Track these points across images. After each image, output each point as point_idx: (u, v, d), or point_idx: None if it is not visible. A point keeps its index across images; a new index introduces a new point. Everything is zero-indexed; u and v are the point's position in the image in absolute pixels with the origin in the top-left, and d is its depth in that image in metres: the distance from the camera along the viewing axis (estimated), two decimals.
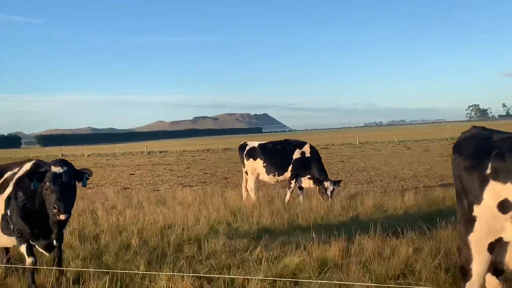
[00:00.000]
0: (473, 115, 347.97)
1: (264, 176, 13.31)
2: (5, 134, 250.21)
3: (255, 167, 13.31)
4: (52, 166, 5.97)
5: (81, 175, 6.17)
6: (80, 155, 67.54)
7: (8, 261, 7.27)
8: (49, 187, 5.89)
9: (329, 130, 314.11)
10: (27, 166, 6.52)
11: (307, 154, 12.88)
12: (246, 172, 13.56)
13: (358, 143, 55.66)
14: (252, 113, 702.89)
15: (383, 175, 21.17)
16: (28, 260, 6.35)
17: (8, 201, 6.39)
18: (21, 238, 6.33)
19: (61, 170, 5.92)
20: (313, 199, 12.48)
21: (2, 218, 6.49)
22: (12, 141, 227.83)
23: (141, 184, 23.27)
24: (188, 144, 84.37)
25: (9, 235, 6.52)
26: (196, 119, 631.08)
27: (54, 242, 6.35)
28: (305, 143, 13.25)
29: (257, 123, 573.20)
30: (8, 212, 6.38)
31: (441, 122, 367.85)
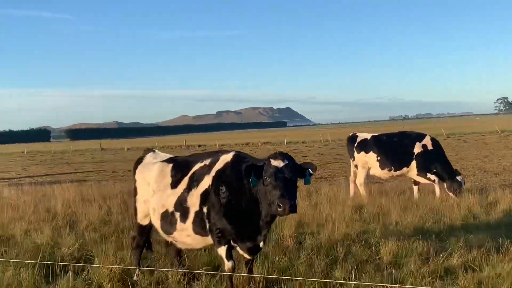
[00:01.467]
0: (501, 108, 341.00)
1: (377, 171, 12.51)
2: (33, 128, 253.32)
3: (367, 161, 12.54)
4: (271, 160, 5.30)
5: (304, 170, 5.50)
6: (119, 149, 67.65)
7: (180, 265, 6.68)
8: (270, 183, 5.20)
9: (355, 123, 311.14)
10: (226, 158, 5.85)
11: (429, 147, 12.04)
12: (356, 166, 12.79)
13: None
14: (275, 107, 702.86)
15: (468, 169, 20.23)
16: (228, 264, 5.69)
17: (205, 196, 5.78)
18: (221, 239, 5.66)
19: (283, 164, 5.26)
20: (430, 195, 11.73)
21: (195, 216, 5.89)
22: (42, 135, 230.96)
23: None
24: (223, 138, 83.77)
25: (202, 234, 5.90)
26: (219, 113, 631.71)
27: (261, 244, 5.73)
28: (424, 135, 12.38)
29: (280, 117, 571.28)
30: (204, 209, 5.75)
31: (469, 115, 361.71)
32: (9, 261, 7.09)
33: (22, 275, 6.61)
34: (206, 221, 5.76)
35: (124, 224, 9.96)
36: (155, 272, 6.57)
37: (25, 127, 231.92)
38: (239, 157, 5.83)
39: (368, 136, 12.81)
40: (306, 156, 34.28)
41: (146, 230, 6.69)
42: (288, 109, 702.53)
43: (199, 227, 5.85)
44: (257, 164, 5.38)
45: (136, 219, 6.69)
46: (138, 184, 6.65)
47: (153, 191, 6.32)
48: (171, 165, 6.37)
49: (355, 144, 12.82)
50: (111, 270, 6.59)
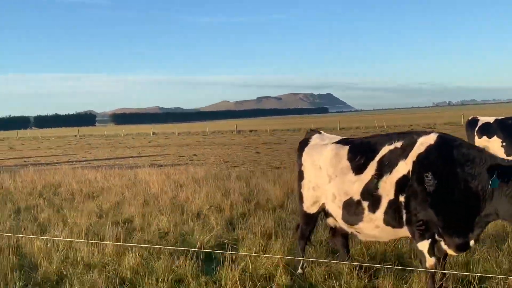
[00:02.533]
0: None
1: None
2: (75, 112, 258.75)
3: (489, 146, 11.57)
4: None
5: None
6: (170, 133, 67.98)
7: (349, 257, 6.01)
8: None
9: (398, 109, 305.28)
10: (427, 140, 5.07)
11: None
12: None
13: (463, 122, 52.50)
14: (315, 93, 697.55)
15: None
16: (430, 260, 4.97)
17: (402, 184, 5.05)
18: (425, 232, 4.94)
19: None
20: None
21: (388, 206, 5.18)
22: (87, 119, 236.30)
23: None
24: (269, 124, 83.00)
25: (394, 226, 5.20)
26: (259, 99, 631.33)
27: (471, 242, 4.98)
28: None
29: (321, 103, 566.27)
30: (401, 198, 5.02)
31: None
32: (160, 249, 6.63)
33: (177, 263, 6.16)
34: (404, 211, 5.04)
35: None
36: (322, 265, 5.94)
37: (70, 111, 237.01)
38: (444, 140, 5.05)
39: (491, 119, 11.81)
40: None
41: (314, 219, 6.04)
42: (328, 95, 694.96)
43: (392, 218, 5.15)
44: (503, 164, 4.61)
45: (302, 206, 6.04)
46: (305, 168, 5.98)
47: (328, 176, 5.64)
48: (347, 147, 5.67)
49: (476, 128, 11.85)
50: (273, 262, 6.02)
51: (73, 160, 29.41)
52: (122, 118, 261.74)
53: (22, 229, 8.59)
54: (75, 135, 72.82)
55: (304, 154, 6.04)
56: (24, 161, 29.86)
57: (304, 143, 6.18)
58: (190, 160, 25.67)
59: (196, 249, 6.51)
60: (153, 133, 69.20)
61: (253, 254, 6.27)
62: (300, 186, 6.04)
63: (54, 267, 6.45)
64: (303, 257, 5.97)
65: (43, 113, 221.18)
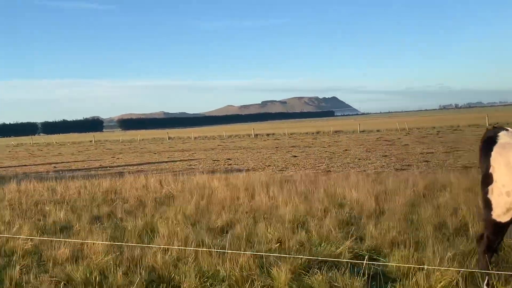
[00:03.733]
0: None
1: None
2: (83, 118, 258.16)
3: None
4: None
5: None
6: (186, 138, 67.40)
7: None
8: None
9: (405, 112, 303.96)
10: None
11: None
12: None
13: (487, 124, 51.73)
14: (320, 97, 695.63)
15: None
16: None
17: None
18: None
19: None
20: None
21: None
22: (95, 124, 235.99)
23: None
24: (288, 127, 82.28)
25: None
26: (264, 103, 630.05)
27: None
28: None
29: (326, 107, 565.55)
30: None
31: None
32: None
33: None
34: None
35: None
36: None
37: (76, 117, 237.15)
38: None
39: None
40: (430, 148, 32.38)
41: (504, 229, 5.32)
42: (334, 98, 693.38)
43: None
44: None
45: (489, 215, 5.30)
46: (495, 171, 5.25)
47: None
48: None
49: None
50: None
51: (105, 165, 28.80)
52: (128, 123, 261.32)
53: (125, 240, 7.92)
54: (90, 141, 72.31)
55: (493, 153, 5.30)
56: (54, 167, 29.29)
57: (490, 142, 5.43)
58: (228, 165, 25.01)
59: (350, 261, 5.81)
60: (169, 138, 68.64)
61: (426, 266, 5.56)
62: (486, 191, 5.31)
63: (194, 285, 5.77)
64: (489, 272, 5.26)
65: (50, 119, 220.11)
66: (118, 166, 27.92)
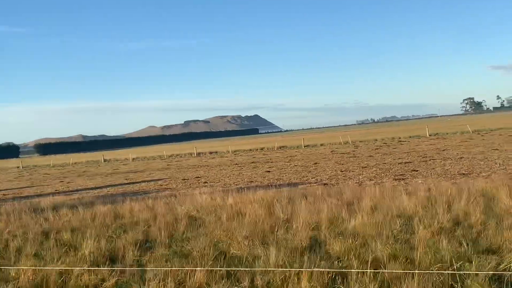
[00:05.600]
0: (468, 108, 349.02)
1: None
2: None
3: None
4: None
5: None
6: (123, 159, 64.61)
7: None
8: None
9: (326, 128, 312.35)
10: None
11: None
12: None
13: (428, 134, 53.72)
14: (243, 115, 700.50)
15: None
16: None
17: None
18: None
19: None
20: None
21: None
22: (10, 150, 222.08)
23: (343, 178, 20.75)
24: (229, 145, 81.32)
25: None
26: (187, 122, 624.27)
27: None
28: None
29: (249, 125, 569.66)
30: None
31: (437, 116, 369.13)
32: None
33: None
34: None
35: None
36: None
37: None
38: None
39: None
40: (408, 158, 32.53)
41: None
42: (256, 116, 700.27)
43: None
44: None
45: None
46: None
47: None
48: None
49: None
50: None
51: (62, 190, 26.48)
52: (47, 148, 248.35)
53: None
54: (18, 166, 67.42)
55: None
56: (4, 194, 26.53)
57: None
58: (204, 183, 23.72)
59: None
60: (105, 160, 65.51)
61: None
62: None
63: None
64: None
65: None
66: (77, 190, 25.73)
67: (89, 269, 7.18)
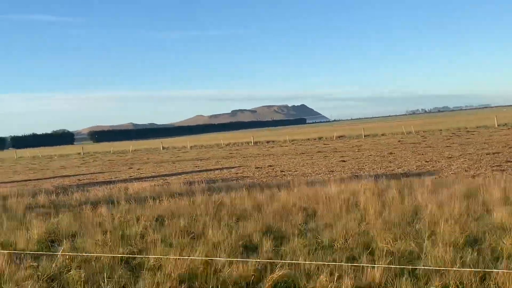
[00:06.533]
0: None
1: None
2: (52, 131, 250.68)
3: None
4: None
5: None
6: (181, 147, 65.07)
7: None
8: None
9: (376, 118, 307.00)
10: None
11: None
12: None
13: (496, 124, 51.43)
14: (289, 105, 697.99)
15: None
16: None
17: None
18: None
19: None
20: None
21: None
22: (65, 137, 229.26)
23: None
24: (284, 134, 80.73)
25: None
26: (234, 112, 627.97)
27: None
28: None
29: (296, 115, 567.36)
30: None
31: (491, 106, 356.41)
32: None
33: None
34: None
35: None
36: None
37: (44, 131, 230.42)
38: None
39: None
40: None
41: None
42: (303, 106, 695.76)
43: None
44: None
45: None
46: None
47: None
48: None
49: None
50: None
51: (138, 176, 26.56)
52: (100, 135, 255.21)
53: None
54: (79, 153, 69.10)
55: None
56: (79, 179, 26.88)
57: None
58: (281, 172, 23.18)
59: None
60: (163, 148, 66.17)
61: None
62: None
63: None
64: None
65: (15, 133, 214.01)
66: (153, 177, 25.71)
67: (238, 260, 6.69)
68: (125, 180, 23.91)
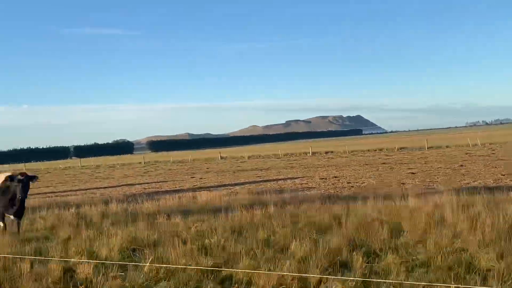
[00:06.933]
0: None
1: None
2: (112, 141, 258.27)
3: None
4: None
5: None
6: (239, 157, 65.25)
7: None
8: None
9: (434, 130, 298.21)
10: None
11: None
12: None
13: None
14: (344, 115, 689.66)
15: None
16: None
17: None
18: None
19: None
20: None
21: None
22: (126, 147, 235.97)
23: None
24: (345, 145, 79.66)
25: None
26: (288, 122, 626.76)
27: None
28: None
29: (351, 125, 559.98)
30: None
31: None
32: None
33: None
34: None
35: None
36: None
37: (103, 141, 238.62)
38: None
39: None
40: None
41: None
42: (358, 117, 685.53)
43: None
44: None
45: None
46: None
47: None
48: None
49: None
50: None
51: (207, 186, 26.66)
52: (158, 145, 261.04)
53: None
54: (140, 162, 70.61)
55: None
56: (144, 188, 27.26)
57: None
58: (348, 183, 22.60)
59: None
60: (221, 157, 66.60)
61: None
62: None
63: None
64: None
65: (77, 143, 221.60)
66: (217, 186, 25.70)
67: (334, 278, 6.31)
68: (189, 189, 24.00)
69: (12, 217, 11.02)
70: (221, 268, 7.37)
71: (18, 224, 11.15)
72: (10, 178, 10.63)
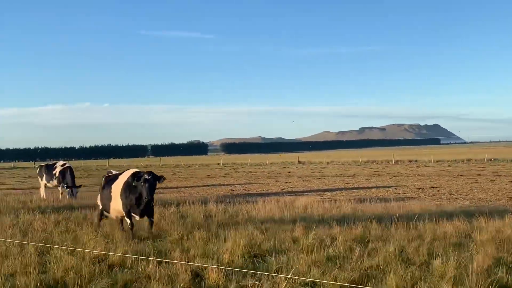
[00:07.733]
0: None
1: None
2: (187, 141, 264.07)
3: None
4: None
5: None
6: (318, 162, 64.14)
7: None
8: None
9: None
10: None
11: None
12: None
13: None
14: (421, 124, 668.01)
15: None
16: None
17: None
18: None
19: None
20: None
21: None
22: (200, 148, 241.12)
23: None
24: (428, 154, 76.63)
25: None
26: (362, 129, 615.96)
27: None
28: None
29: (428, 134, 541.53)
30: None
31: None
32: None
33: None
34: None
35: None
36: None
37: (178, 141, 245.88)
38: None
39: None
40: None
41: None
42: (436, 126, 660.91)
43: None
44: None
45: None
46: None
47: None
48: None
49: None
50: None
51: (294, 191, 25.99)
52: (230, 147, 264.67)
53: None
54: (218, 163, 71.24)
55: None
56: (232, 189, 26.96)
57: None
58: (450, 194, 21.09)
59: None
60: (300, 162, 65.78)
61: None
62: None
63: None
64: None
65: (153, 142, 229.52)
66: (304, 191, 24.95)
67: None
68: (277, 193, 23.37)
69: (137, 217, 10.56)
70: (363, 286, 6.57)
71: (151, 222, 10.68)
72: (137, 177, 10.21)
